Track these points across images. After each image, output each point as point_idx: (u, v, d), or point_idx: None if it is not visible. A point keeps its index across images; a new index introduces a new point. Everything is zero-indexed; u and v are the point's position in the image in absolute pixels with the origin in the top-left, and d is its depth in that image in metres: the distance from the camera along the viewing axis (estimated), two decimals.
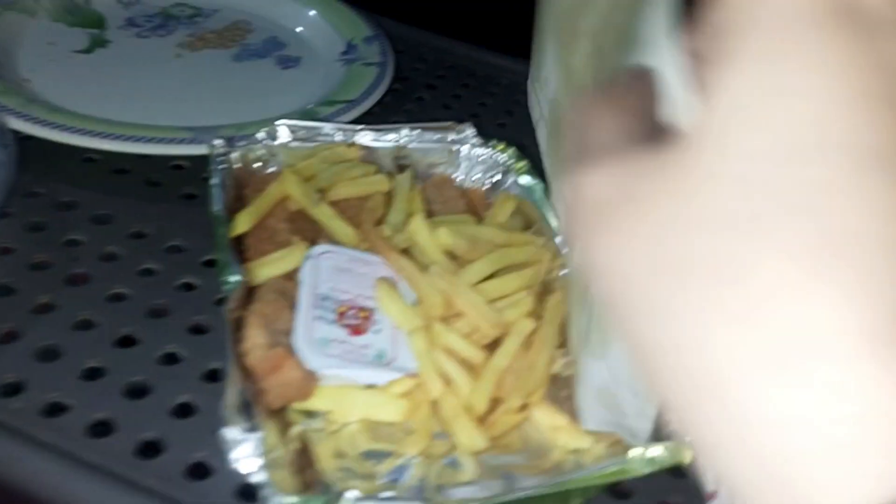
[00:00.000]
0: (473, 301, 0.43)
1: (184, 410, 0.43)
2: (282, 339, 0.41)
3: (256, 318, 0.41)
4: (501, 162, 0.56)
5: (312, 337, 0.41)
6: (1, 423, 0.39)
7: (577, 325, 0.41)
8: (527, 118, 0.80)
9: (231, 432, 0.34)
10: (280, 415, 0.41)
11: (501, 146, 0.56)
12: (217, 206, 0.47)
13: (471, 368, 0.43)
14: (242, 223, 0.47)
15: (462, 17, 0.90)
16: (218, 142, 0.51)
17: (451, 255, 0.47)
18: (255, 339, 0.40)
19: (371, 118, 0.69)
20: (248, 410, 0.35)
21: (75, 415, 0.41)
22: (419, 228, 0.45)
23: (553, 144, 0.48)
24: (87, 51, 0.72)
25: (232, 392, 0.35)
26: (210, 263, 0.52)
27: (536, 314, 0.46)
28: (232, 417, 0.34)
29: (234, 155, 0.52)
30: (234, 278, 0.41)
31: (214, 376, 0.44)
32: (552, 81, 0.46)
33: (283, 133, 0.54)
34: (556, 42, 0.45)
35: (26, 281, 0.48)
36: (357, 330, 0.43)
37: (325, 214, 0.48)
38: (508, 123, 0.77)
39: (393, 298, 0.43)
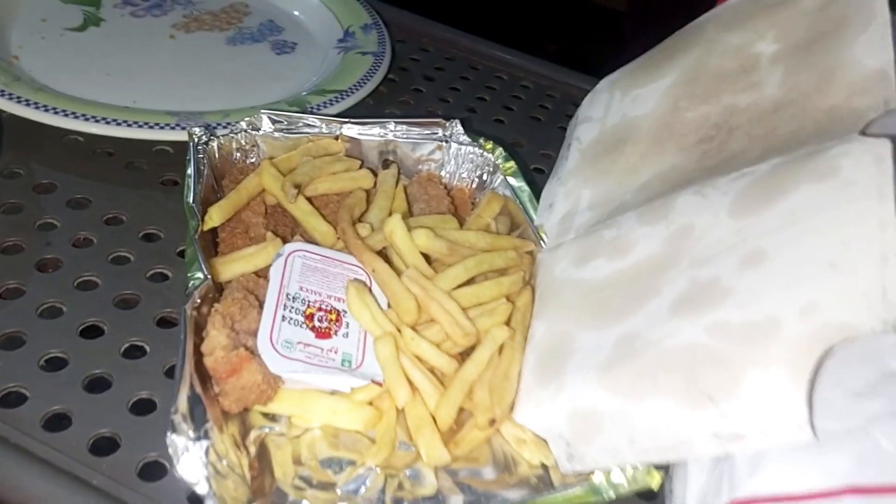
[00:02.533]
0: (447, 308, 0.42)
1: (143, 406, 0.41)
2: (246, 340, 0.40)
3: (220, 318, 0.39)
4: (489, 161, 0.54)
5: (277, 339, 0.40)
6: None
7: (585, 344, 0.40)
8: (524, 116, 0.79)
9: (178, 439, 0.33)
10: (240, 417, 0.40)
11: (489, 145, 0.54)
12: (190, 196, 0.45)
13: (440, 378, 0.42)
14: (215, 216, 0.45)
15: (468, 8, 0.89)
16: (196, 130, 0.50)
17: (429, 258, 0.46)
18: (216, 340, 0.38)
19: (365, 109, 0.67)
20: (200, 416, 0.34)
21: (31, 406, 0.40)
22: (396, 229, 0.44)
23: (599, 151, 0.47)
24: (80, 29, 0.70)
25: (182, 396, 0.34)
26: (184, 254, 0.51)
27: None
28: (179, 424, 0.33)
29: (214, 144, 0.51)
30: (198, 276, 0.40)
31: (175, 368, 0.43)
32: (647, 104, 0.46)
33: (266, 123, 0.53)
34: (683, 81, 0.45)
35: None
36: (324, 333, 0.41)
37: (301, 211, 0.47)
38: (506, 120, 0.75)
39: (362, 301, 0.42)
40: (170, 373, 0.43)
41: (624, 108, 0.47)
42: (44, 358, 0.43)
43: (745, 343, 0.31)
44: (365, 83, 0.67)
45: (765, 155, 0.38)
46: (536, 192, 0.52)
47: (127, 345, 0.44)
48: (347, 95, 0.65)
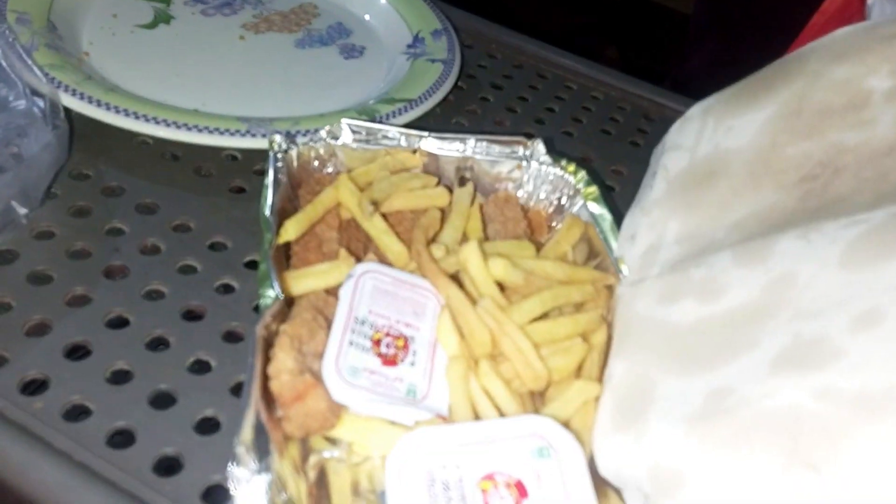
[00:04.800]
0: (520, 346, 0.40)
1: (207, 426, 0.41)
2: (312, 364, 0.39)
3: (287, 340, 0.38)
4: (570, 183, 0.52)
5: (342, 364, 0.39)
6: (19, 425, 0.38)
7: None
8: (594, 129, 0.76)
9: (240, 471, 0.32)
10: (302, 438, 0.39)
11: (572, 167, 0.52)
12: (268, 209, 0.44)
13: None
14: (290, 230, 0.44)
15: (538, 14, 0.86)
16: (277, 137, 0.49)
17: (503, 286, 0.44)
18: (283, 363, 0.37)
19: (432, 118, 0.66)
20: (263, 446, 0.33)
21: (96, 421, 0.39)
22: (471, 256, 0.42)
23: (689, 182, 0.45)
24: (150, 26, 0.70)
25: (248, 426, 0.33)
26: (252, 265, 0.50)
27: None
28: (243, 455, 0.32)
29: (293, 152, 0.49)
30: (271, 295, 0.39)
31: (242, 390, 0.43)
32: (743, 136, 0.43)
33: (346, 133, 0.51)
34: (784, 114, 0.42)
35: (64, 269, 0.47)
36: (391, 360, 0.40)
37: (376, 228, 0.45)
38: (575, 133, 0.73)
39: (450, 327, 0.40)
40: (235, 391, 0.42)
41: (717, 139, 0.44)
42: (110, 370, 0.42)
43: (858, 413, 0.29)
44: (434, 92, 0.65)
45: (877, 201, 0.35)
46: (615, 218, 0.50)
47: (193, 359, 0.44)
48: (416, 105, 0.63)
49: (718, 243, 0.41)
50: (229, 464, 0.32)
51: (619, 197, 0.65)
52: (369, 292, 0.42)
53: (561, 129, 0.73)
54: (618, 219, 0.50)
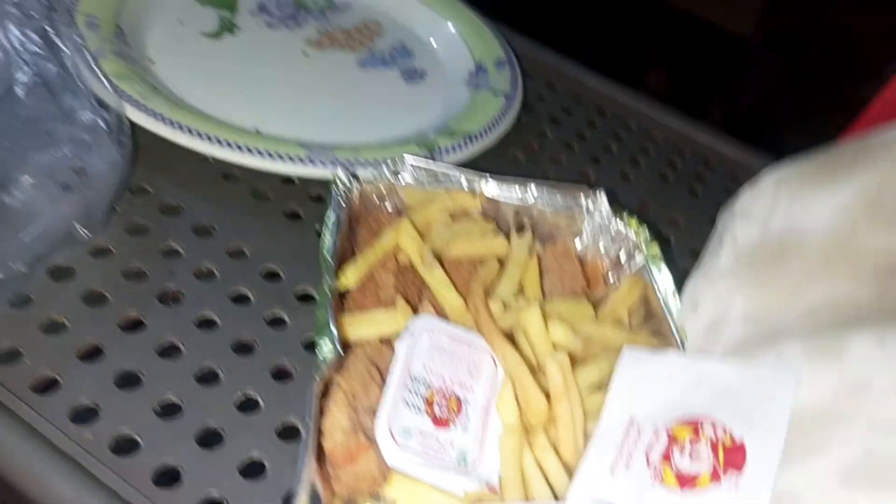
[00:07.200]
0: (574, 416, 0.39)
1: (253, 470, 0.40)
2: (364, 420, 0.38)
3: (342, 395, 0.38)
4: (631, 239, 0.51)
5: (395, 425, 0.38)
6: (67, 456, 0.38)
7: None
8: (652, 173, 0.75)
9: None
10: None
11: (634, 223, 0.51)
12: (328, 250, 0.44)
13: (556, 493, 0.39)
14: (350, 276, 0.44)
15: (601, 47, 0.85)
16: (341, 174, 0.49)
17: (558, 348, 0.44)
18: (336, 420, 0.37)
19: (490, 152, 0.65)
20: None
21: (144, 456, 0.39)
22: (532, 320, 0.42)
23: (759, 257, 0.44)
24: (215, 35, 0.70)
25: (303, 496, 0.33)
26: (304, 298, 0.50)
27: None
28: None
29: (356, 189, 0.49)
30: (329, 348, 0.38)
31: (290, 434, 0.42)
32: (820, 217, 0.42)
33: (407, 170, 0.51)
34: (865, 202, 0.41)
35: (119, 290, 0.47)
36: (443, 422, 0.39)
37: (435, 279, 0.45)
38: (632, 176, 0.72)
39: (511, 396, 0.40)
40: (283, 434, 0.42)
41: (792, 215, 0.43)
42: (159, 402, 0.42)
43: None
44: (495, 127, 0.65)
45: None
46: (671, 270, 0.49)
47: (241, 395, 0.43)
48: (476, 140, 0.63)
49: (788, 329, 0.40)
50: None
51: (675, 248, 0.64)
52: (426, 349, 0.42)
53: (618, 169, 0.72)
54: (673, 272, 0.49)
